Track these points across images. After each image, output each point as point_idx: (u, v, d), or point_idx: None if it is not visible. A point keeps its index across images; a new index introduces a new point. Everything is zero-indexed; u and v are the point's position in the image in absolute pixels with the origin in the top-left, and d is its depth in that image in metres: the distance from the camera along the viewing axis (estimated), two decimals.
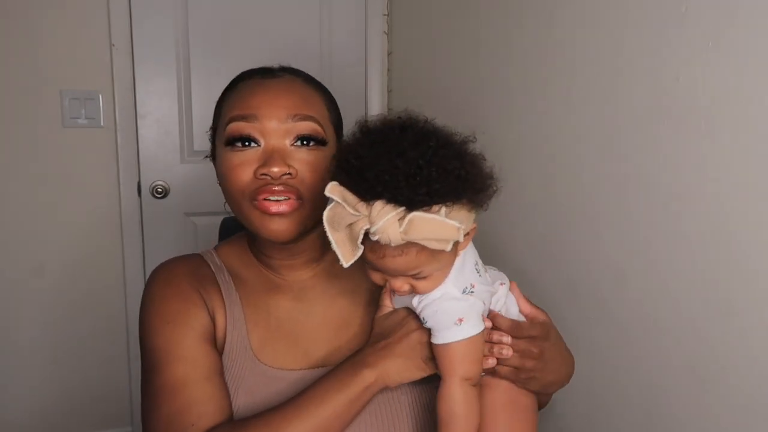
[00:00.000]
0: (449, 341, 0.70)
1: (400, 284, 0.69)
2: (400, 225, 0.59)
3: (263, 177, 0.74)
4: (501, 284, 0.78)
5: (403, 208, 0.60)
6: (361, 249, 0.62)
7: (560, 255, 1.32)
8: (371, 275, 0.71)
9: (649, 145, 1.06)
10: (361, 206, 0.61)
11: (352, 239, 0.62)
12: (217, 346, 0.80)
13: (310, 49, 2.13)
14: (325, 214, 0.63)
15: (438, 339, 0.71)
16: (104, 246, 2.03)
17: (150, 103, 2.02)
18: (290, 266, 0.85)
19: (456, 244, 0.64)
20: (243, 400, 0.77)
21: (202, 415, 0.72)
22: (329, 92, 0.85)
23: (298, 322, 0.84)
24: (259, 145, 0.76)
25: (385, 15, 2.22)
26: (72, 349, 2.04)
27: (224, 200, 0.81)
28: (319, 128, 0.77)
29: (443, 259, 0.67)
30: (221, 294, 0.82)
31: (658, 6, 1.03)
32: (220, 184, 0.80)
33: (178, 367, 0.75)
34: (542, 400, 0.85)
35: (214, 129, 0.82)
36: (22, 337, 1.98)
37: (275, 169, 0.73)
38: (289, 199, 0.75)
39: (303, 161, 0.76)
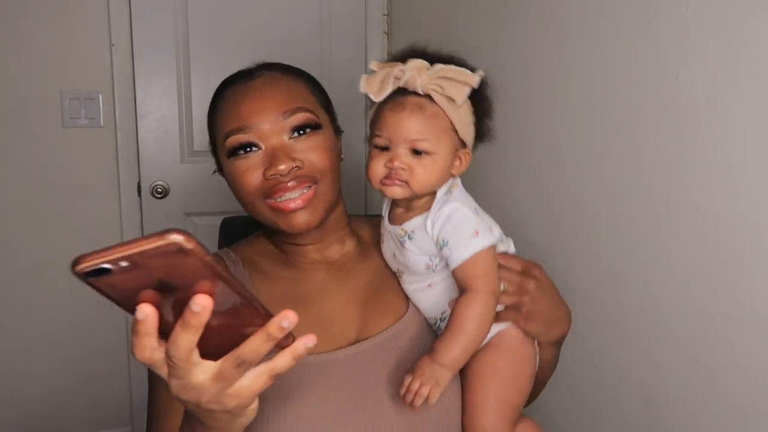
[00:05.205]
0: (473, 252, 0.72)
1: (401, 154, 0.72)
2: (428, 70, 0.71)
3: (273, 177, 0.76)
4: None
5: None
6: (388, 91, 0.73)
7: (559, 255, 1.32)
8: (372, 170, 0.74)
9: (649, 145, 1.06)
10: (397, 63, 0.73)
11: (383, 83, 0.73)
12: None
13: (310, 49, 2.12)
14: (364, 76, 0.74)
15: (461, 256, 0.73)
16: (104, 246, 2.02)
17: (150, 103, 2.01)
18: (322, 246, 0.86)
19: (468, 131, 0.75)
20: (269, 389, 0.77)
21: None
22: (311, 77, 0.87)
23: (328, 303, 0.83)
24: (260, 149, 0.78)
25: (385, 15, 2.21)
26: (72, 350, 2.04)
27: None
28: (311, 115, 0.79)
29: (445, 144, 0.73)
30: None
31: (658, 6, 1.03)
32: (234, 193, 0.82)
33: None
34: (548, 356, 0.86)
35: (213, 143, 0.84)
36: (22, 337, 1.98)
37: (282, 167, 0.75)
38: (305, 191, 0.77)
39: (306, 149, 0.78)
